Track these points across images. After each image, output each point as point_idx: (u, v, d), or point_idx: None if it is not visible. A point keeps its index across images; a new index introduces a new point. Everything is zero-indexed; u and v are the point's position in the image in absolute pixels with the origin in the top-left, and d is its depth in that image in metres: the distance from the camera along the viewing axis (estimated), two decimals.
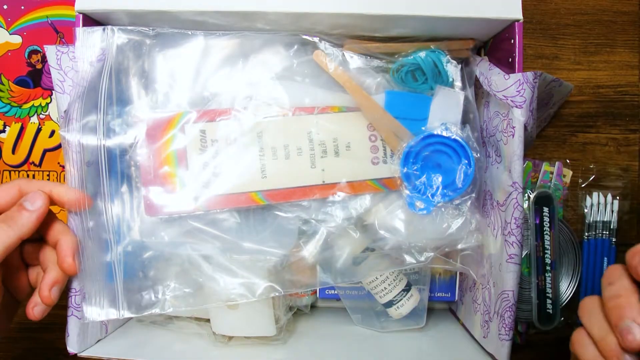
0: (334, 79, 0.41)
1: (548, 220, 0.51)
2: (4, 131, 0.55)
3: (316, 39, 0.41)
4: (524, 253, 0.50)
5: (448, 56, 0.42)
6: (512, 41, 0.38)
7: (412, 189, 0.41)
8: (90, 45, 0.37)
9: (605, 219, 0.55)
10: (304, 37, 0.41)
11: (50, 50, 0.37)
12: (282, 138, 0.40)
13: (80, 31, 0.38)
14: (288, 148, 0.40)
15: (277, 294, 0.41)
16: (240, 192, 0.40)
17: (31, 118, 0.55)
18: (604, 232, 0.55)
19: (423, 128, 0.42)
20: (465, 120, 0.43)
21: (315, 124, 0.41)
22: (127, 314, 0.38)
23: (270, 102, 0.41)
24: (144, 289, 0.40)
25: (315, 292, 0.51)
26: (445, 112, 0.42)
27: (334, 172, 0.41)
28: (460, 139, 0.40)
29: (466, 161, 0.40)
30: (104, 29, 0.38)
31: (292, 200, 0.40)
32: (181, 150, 0.39)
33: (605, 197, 0.56)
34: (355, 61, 0.42)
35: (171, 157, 0.39)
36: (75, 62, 0.37)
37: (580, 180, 0.56)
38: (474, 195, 0.41)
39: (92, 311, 0.38)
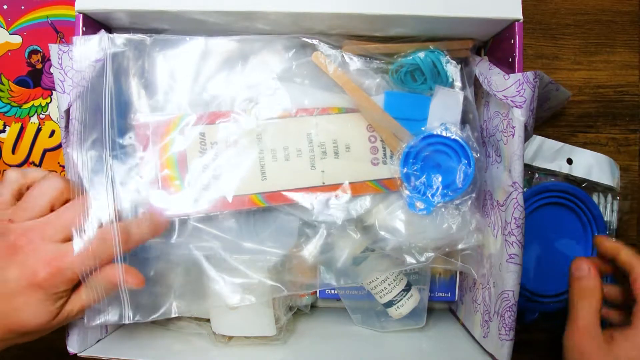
0: (334, 80, 0.41)
1: None
2: (4, 131, 0.55)
3: (315, 41, 0.41)
4: None
5: (447, 56, 0.42)
6: (512, 41, 0.38)
7: (412, 189, 0.41)
8: (88, 51, 0.37)
9: (605, 219, 0.55)
10: (303, 39, 0.41)
11: (53, 49, 0.37)
12: (281, 140, 0.40)
13: (77, 40, 0.37)
14: (288, 150, 0.40)
15: (280, 294, 0.41)
16: (240, 194, 0.39)
17: (31, 118, 0.55)
18: (604, 232, 0.55)
19: (423, 128, 0.42)
20: (465, 120, 0.43)
21: (314, 125, 0.41)
22: (132, 319, 0.38)
23: (270, 104, 0.41)
24: (149, 294, 0.40)
25: (316, 292, 0.51)
26: (444, 112, 0.42)
27: (334, 173, 0.41)
28: (460, 139, 0.40)
29: (466, 161, 0.40)
30: (100, 38, 0.38)
31: (292, 203, 0.40)
32: (181, 153, 0.39)
33: (606, 197, 0.56)
34: (354, 62, 0.42)
35: (171, 160, 0.39)
36: (76, 62, 0.37)
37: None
38: (474, 195, 0.41)
39: (97, 316, 0.37)
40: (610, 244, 0.38)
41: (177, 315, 0.40)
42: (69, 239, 0.33)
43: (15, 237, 0.33)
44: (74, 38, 0.37)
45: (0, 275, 0.32)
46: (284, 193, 0.40)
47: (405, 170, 0.41)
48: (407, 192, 0.41)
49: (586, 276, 0.36)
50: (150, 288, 0.40)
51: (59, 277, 0.33)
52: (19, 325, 0.33)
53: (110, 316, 0.37)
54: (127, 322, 0.38)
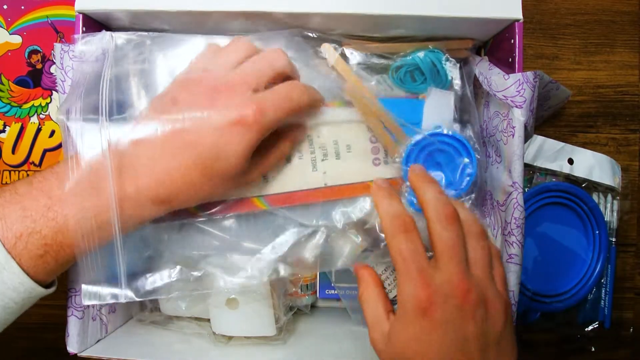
0: (335, 77, 0.41)
1: None
2: (4, 131, 0.55)
3: (315, 35, 0.41)
4: None
5: (447, 56, 0.42)
6: (512, 41, 0.38)
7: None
8: (89, 50, 0.37)
9: (605, 219, 0.55)
10: (307, 33, 0.41)
11: (57, 49, 0.37)
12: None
13: (79, 39, 0.37)
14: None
15: (282, 274, 0.40)
16: (242, 197, 0.39)
17: (31, 118, 0.55)
18: (605, 232, 0.55)
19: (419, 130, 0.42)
20: (464, 120, 0.43)
21: (315, 126, 0.41)
22: (130, 295, 0.37)
23: None
24: (147, 273, 0.39)
25: (315, 292, 0.51)
26: (438, 114, 0.42)
27: (336, 174, 0.41)
28: (462, 138, 0.40)
29: (468, 160, 0.40)
30: (101, 37, 0.38)
31: (294, 205, 0.40)
32: None
33: (606, 197, 0.56)
34: (354, 61, 0.42)
35: None
36: (77, 62, 0.37)
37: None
38: (473, 195, 0.41)
39: (92, 294, 0.37)
40: (409, 175, 0.37)
41: (176, 294, 0.40)
42: (262, 89, 0.34)
43: (215, 83, 0.33)
44: (75, 37, 0.38)
45: (204, 114, 0.32)
46: (286, 195, 0.40)
47: (407, 168, 0.41)
48: (408, 190, 0.40)
49: (362, 271, 0.36)
50: (149, 266, 0.39)
51: (262, 118, 0.33)
52: (218, 160, 0.33)
53: (106, 292, 0.37)
54: (123, 300, 0.37)
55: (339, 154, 0.41)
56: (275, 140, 0.37)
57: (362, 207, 0.41)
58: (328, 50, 0.41)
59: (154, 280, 0.39)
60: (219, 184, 0.34)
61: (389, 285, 0.45)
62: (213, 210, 0.39)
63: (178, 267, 0.40)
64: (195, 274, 0.40)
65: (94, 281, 0.36)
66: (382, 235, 0.41)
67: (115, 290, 0.37)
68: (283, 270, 0.40)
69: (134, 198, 0.32)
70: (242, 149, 0.33)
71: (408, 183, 0.41)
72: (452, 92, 0.42)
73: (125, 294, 0.37)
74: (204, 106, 0.33)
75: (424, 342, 0.30)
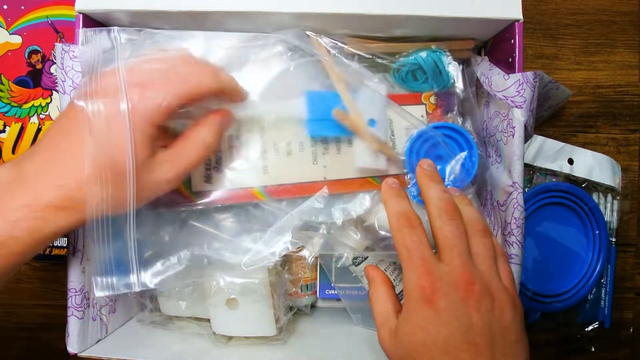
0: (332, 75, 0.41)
1: None
2: (4, 131, 0.55)
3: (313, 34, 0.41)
4: None
5: (449, 57, 0.42)
6: (512, 41, 0.38)
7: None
8: (92, 46, 0.37)
9: (605, 219, 0.55)
10: (308, 33, 0.41)
11: (57, 49, 0.37)
12: (284, 133, 0.40)
13: (82, 33, 0.37)
14: (290, 144, 0.40)
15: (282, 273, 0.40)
16: (242, 187, 0.39)
17: (31, 118, 0.55)
18: (605, 232, 0.55)
19: None
20: (466, 120, 0.43)
21: None
22: (143, 282, 0.36)
23: (272, 97, 0.40)
24: (159, 259, 0.38)
25: (315, 292, 0.51)
26: (370, 110, 0.40)
27: (336, 169, 0.41)
28: (464, 131, 0.40)
29: (469, 154, 0.40)
30: (109, 31, 0.38)
31: (293, 197, 0.40)
32: None
33: (606, 197, 0.56)
34: (356, 61, 0.42)
35: None
36: (76, 62, 0.37)
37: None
38: (474, 188, 0.41)
39: (104, 285, 0.36)
40: (417, 170, 0.36)
41: (189, 282, 0.39)
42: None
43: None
44: (80, 32, 0.37)
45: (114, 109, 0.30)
46: (285, 187, 0.40)
47: (409, 159, 0.40)
48: (411, 182, 0.40)
49: (373, 272, 0.37)
50: (161, 252, 0.39)
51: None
52: (110, 157, 0.30)
53: (118, 282, 0.36)
54: (137, 289, 0.36)
55: (340, 148, 0.41)
56: (193, 129, 0.34)
57: (361, 203, 0.41)
58: (315, 42, 0.41)
59: (166, 267, 0.38)
60: (115, 184, 0.31)
61: (393, 280, 0.45)
62: (211, 199, 0.39)
63: (189, 253, 0.39)
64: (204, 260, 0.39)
65: (105, 272, 0.35)
66: (381, 232, 0.41)
67: (128, 279, 0.36)
68: (282, 269, 0.41)
69: (32, 204, 0.29)
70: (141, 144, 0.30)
71: (409, 176, 0.41)
72: (383, 95, 0.41)
73: (138, 282, 0.36)
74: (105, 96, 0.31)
75: (429, 331, 0.30)
